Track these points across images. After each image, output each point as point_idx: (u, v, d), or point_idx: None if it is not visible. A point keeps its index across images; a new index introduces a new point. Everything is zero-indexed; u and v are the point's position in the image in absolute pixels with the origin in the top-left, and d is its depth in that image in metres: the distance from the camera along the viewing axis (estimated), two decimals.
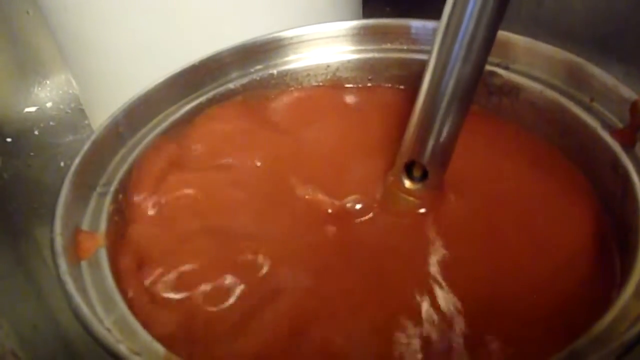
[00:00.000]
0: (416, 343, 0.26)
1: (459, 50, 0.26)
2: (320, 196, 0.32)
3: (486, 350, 0.25)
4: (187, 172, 0.34)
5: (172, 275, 0.29)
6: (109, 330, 0.24)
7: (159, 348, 0.24)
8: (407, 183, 0.31)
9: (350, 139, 0.36)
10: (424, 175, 0.31)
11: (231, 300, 0.28)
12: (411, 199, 0.31)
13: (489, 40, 0.27)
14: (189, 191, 0.33)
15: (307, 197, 0.32)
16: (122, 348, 0.23)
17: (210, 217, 0.32)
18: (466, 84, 0.27)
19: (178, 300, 0.28)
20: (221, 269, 0.29)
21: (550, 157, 0.33)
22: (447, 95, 0.28)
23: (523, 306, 0.27)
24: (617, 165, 0.29)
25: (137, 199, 0.32)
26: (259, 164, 0.35)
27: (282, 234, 0.31)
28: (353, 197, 0.32)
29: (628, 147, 0.29)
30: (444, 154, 0.30)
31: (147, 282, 0.28)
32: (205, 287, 0.28)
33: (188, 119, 0.36)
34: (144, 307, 0.27)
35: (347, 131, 0.37)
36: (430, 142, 0.29)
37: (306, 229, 0.31)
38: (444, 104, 0.28)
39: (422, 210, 0.31)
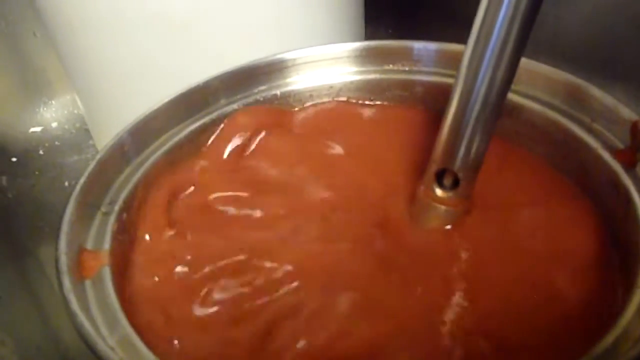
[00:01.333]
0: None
1: (490, 56, 0.26)
2: (349, 206, 0.34)
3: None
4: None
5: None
6: (112, 348, 0.24)
7: None
8: (439, 191, 0.31)
9: (367, 152, 0.37)
10: (455, 184, 0.31)
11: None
12: (443, 207, 0.31)
13: (521, 44, 0.26)
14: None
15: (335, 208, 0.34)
16: None
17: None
18: (498, 90, 0.27)
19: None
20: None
21: (552, 177, 0.34)
22: (479, 102, 0.28)
23: (527, 321, 0.27)
24: (618, 185, 0.29)
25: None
26: (284, 173, 0.36)
27: (310, 247, 0.32)
28: (383, 207, 0.33)
29: (629, 167, 0.29)
30: (476, 161, 0.30)
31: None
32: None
33: (192, 139, 0.36)
34: None
35: (363, 144, 0.38)
36: (462, 150, 0.29)
37: (337, 240, 0.32)
38: (475, 112, 0.28)
39: (448, 227, 0.32)
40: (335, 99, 0.39)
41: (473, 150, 0.29)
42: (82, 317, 0.25)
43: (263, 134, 0.38)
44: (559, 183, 0.33)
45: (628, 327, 0.23)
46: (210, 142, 0.37)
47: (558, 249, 0.30)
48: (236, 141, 0.37)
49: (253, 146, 0.37)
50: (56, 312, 0.42)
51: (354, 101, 0.39)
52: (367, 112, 0.39)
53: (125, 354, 0.24)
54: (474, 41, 0.27)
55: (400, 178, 0.35)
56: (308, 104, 0.39)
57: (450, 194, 0.31)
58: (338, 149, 0.38)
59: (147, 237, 0.32)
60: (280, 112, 0.39)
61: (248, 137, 0.37)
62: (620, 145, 0.30)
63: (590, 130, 0.32)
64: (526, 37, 0.26)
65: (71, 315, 0.25)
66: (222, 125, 0.37)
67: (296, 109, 0.39)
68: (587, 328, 0.26)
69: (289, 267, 0.31)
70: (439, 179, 0.31)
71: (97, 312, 0.26)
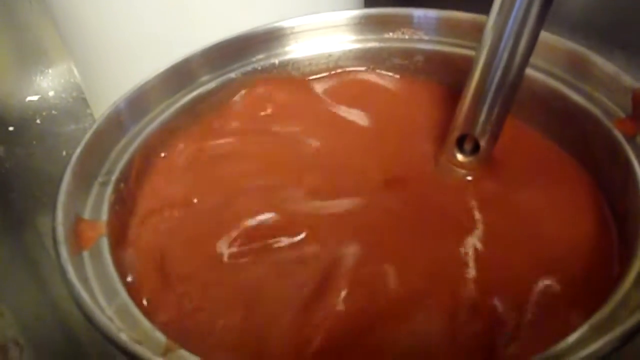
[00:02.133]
0: None
1: (513, 23, 0.27)
2: (373, 165, 0.34)
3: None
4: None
5: None
6: (110, 319, 0.24)
7: (160, 337, 0.24)
8: (460, 156, 0.33)
9: (386, 120, 0.38)
10: (475, 149, 0.32)
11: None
12: (463, 171, 0.33)
13: (543, 12, 0.27)
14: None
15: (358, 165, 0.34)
16: (124, 337, 0.23)
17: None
18: (519, 58, 0.28)
19: None
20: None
21: (550, 149, 0.34)
22: (501, 70, 0.29)
23: (528, 291, 0.27)
24: (618, 154, 0.29)
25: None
26: (301, 131, 0.37)
27: (324, 202, 0.32)
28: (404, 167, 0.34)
29: (629, 136, 0.29)
30: (496, 126, 0.31)
31: None
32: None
33: (189, 108, 0.36)
34: None
35: (383, 113, 0.38)
36: (483, 116, 0.31)
37: (358, 193, 0.33)
38: (497, 79, 0.29)
39: (469, 178, 0.33)
40: (346, 68, 0.39)
41: (494, 116, 0.30)
42: (79, 287, 0.25)
43: (281, 102, 0.38)
44: (557, 154, 0.33)
45: (626, 296, 0.23)
46: (229, 104, 0.37)
47: (557, 221, 0.30)
48: (255, 108, 0.38)
49: (270, 111, 0.38)
50: (55, 282, 0.42)
51: (369, 72, 0.39)
52: (386, 83, 0.39)
53: (123, 324, 0.24)
54: (497, 10, 0.28)
55: (422, 145, 0.36)
56: (324, 74, 0.39)
57: (471, 158, 0.32)
58: (355, 117, 0.38)
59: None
60: (298, 82, 0.39)
61: (267, 105, 0.38)
62: (622, 114, 0.30)
63: (591, 99, 0.32)
64: (549, 5, 0.27)
65: (69, 286, 0.25)
66: (242, 92, 0.37)
67: (312, 77, 0.39)
68: (585, 298, 0.26)
69: (302, 219, 0.31)
70: (460, 144, 0.32)
71: (95, 283, 0.26)
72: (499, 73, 0.29)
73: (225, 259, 0.30)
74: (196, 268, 0.30)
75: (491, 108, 0.30)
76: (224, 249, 0.30)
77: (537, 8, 0.27)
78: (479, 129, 0.31)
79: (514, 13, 0.27)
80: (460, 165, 0.33)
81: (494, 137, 0.31)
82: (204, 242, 0.30)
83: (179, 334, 0.25)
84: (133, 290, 0.27)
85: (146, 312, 0.26)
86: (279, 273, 0.29)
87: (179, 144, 0.35)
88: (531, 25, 0.27)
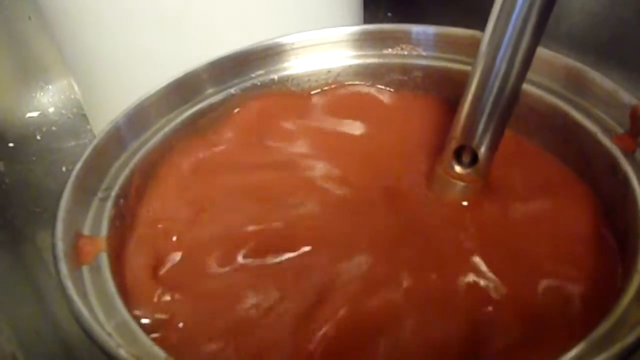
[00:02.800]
0: None
1: (512, 33, 0.27)
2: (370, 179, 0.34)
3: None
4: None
5: None
6: (109, 334, 0.24)
7: (160, 353, 0.24)
8: (458, 168, 0.32)
9: (382, 135, 0.38)
10: (473, 161, 0.31)
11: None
12: (462, 183, 0.32)
13: (540, 28, 0.27)
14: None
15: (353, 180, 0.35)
16: (123, 352, 0.23)
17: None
18: (517, 68, 0.28)
19: None
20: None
21: (551, 164, 0.34)
22: (499, 80, 0.28)
23: (527, 305, 0.27)
24: (617, 170, 0.29)
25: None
26: (297, 146, 0.37)
27: (324, 216, 0.33)
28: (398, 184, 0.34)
29: (628, 152, 0.29)
30: (494, 138, 0.30)
31: None
32: None
33: (189, 124, 0.36)
34: None
35: (379, 128, 0.38)
36: (481, 127, 0.30)
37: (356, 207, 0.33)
38: (495, 90, 0.29)
39: (465, 204, 0.32)
40: (330, 83, 0.39)
41: (492, 127, 0.30)
42: (79, 303, 0.25)
43: (277, 117, 0.38)
44: (558, 169, 0.33)
45: (626, 312, 0.23)
46: (223, 124, 0.37)
47: (557, 236, 0.30)
48: (250, 124, 0.38)
49: (267, 126, 0.38)
50: (54, 298, 0.42)
51: (367, 86, 0.39)
52: (383, 98, 0.39)
53: (122, 340, 0.24)
54: (493, 22, 0.28)
55: (416, 158, 0.36)
56: (319, 90, 0.39)
57: (469, 170, 0.32)
58: (352, 131, 0.38)
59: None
60: (294, 96, 0.39)
61: (262, 121, 0.38)
62: (620, 130, 0.30)
63: (589, 115, 0.32)
64: (545, 20, 0.27)
65: (68, 302, 0.25)
66: (237, 110, 0.38)
67: (312, 92, 0.39)
68: (585, 313, 0.26)
69: (303, 233, 0.31)
70: (458, 156, 0.32)
71: (95, 298, 0.26)
72: (496, 84, 0.29)
73: (222, 272, 0.30)
74: (191, 282, 0.30)
75: (489, 119, 0.30)
76: (222, 263, 0.30)
77: (535, 20, 0.27)
78: (477, 140, 0.31)
79: (511, 23, 0.27)
80: (458, 177, 0.32)
81: (492, 149, 0.31)
82: (201, 256, 0.31)
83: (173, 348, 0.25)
84: (130, 304, 0.27)
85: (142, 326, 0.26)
86: (278, 287, 0.29)
87: (177, 159, 0.35)
88: (528, 37, 0.27)
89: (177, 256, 0.31)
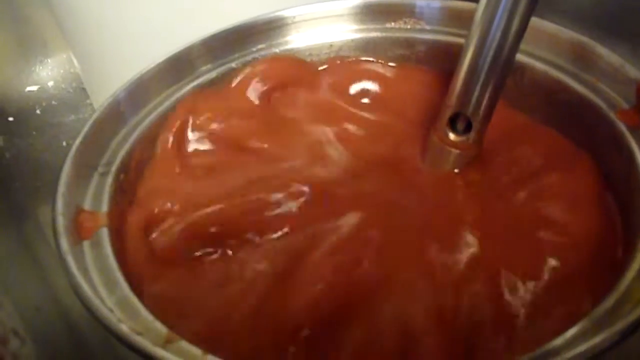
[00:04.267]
0: None
1: (505, 3, 0.27)
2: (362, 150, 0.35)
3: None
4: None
5: None
6: (111, 310, 0.24)
7: (161, 328, 0.24)
8: (452, 135, 0.32)
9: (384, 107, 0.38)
10: (467, 129, 0.32)
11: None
12: (455, 150, 0.32)
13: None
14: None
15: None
16: (124, 328, 0.23)
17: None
18: (512, 37, 0.28)
19: None
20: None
21: (555, 140, 0.33)
22: (493, 49, 0.29)
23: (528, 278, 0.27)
24: (621, 146, 0.29)
25: None
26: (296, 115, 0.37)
27: (326, 178, 0.33)
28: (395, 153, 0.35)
29: (633, 127, 0.29)
30: (489, 105, 0.31)
31: None
32: None
33: (190, 97, 0.36)
34: None
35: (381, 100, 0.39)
36: (476, 95, 0.30)
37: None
38: (489, 58, 0.29)
39: (456, 171, 0.33)
40: (332, 57, 0.39)
41: (486, 95, 0.30)
42: (79, 278, 0.25)
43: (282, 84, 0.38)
44: (561, 144, 0.33)
45: (629, 288, 0.23)
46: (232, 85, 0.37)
47: (560, 209, 0.30)
48: (257, 88, 0.38)
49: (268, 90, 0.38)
50: (56, 273, 0.42)
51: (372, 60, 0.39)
52: (387, 71, 0.39)
53: (123, 315, 0.24)
54: None
55: (413, 130, 0.36)
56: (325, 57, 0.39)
57: (463, 137, 0.32)
58: (354, 103, 0.38)
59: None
60: (302, 64, 0.39)
61: (269, 86, 0.38)
62: (626, 105, 0.30)
63: (595, 90, 0.31)
64: None
65: (69, 277, 0.25)
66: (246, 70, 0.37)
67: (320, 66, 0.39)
68: (589, 289, 0.26)
69: (302, 188, 0.32)
70: (452, 124, 0.32)
71: (95, 273, 0.26)
72: (491, 52, 0.29)
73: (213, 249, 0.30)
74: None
75: (484, 87, 0.30)
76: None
77: None
78: (471, 107, 0.31)
79: None
80: (453, 144, 0.32)
81: (486, 117, 0.31)
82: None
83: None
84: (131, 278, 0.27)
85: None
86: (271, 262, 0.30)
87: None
88: (522, 7, 0.27)
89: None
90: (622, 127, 0.29)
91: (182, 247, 0.30)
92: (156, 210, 0.31)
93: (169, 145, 0.34)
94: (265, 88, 0.37)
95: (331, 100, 0.38)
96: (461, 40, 0.36)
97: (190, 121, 0.35)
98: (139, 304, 0.25)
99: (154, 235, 0.30)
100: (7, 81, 0.60)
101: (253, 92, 0.37)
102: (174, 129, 0.34)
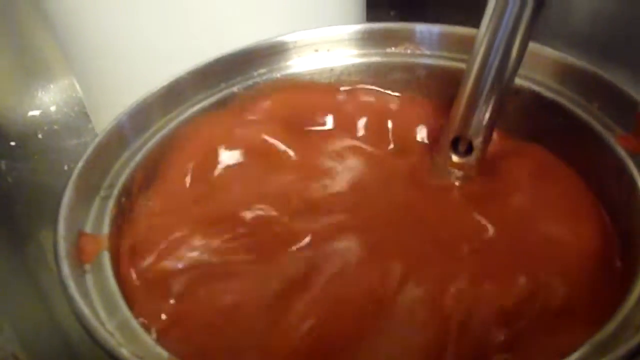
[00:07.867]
0: None
1: (505, 30, 0.29)
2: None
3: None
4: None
5: None
6: (111, 334, 0.24)
7: (162, 352, 0.24)
8: (454, 157, 0.34)
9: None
10: (468, 150, 0.33)
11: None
12: (458, 171, 0.34)
13: (534, 18, 0.28)
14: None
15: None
16: (124, 352, 0.23)
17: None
18: (511, 62, 0.30)
19: None
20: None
21: (553, 165, 0.33)
22: (493, 74, 0.30)
23: (528, 308, 0.27)
24: (622, 171, 0.29)
25: None
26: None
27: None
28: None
29: (634, 153, 0.29)
30: (489, 127, 0.32)
31: None
32: None
33: (192, 122, 0.36)
34: None
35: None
36: (477, 117, 0.32)
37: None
38: (490, 83, 0.31)
39: (457, 183, 0.34)
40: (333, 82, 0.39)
41: (487, 118, 0.32)
42: (80, 302, 0.25)
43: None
44: (559, 170, 0.33)
45: (630, 315, 0.23)
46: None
47: (559, 237, 0.30)
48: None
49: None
50: (57, 297, 0.42)
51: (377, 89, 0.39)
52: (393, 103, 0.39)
53: (124, 339, 0.24)
54: (487, 20, 0.29)
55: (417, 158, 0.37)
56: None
57: (465, 159, 0.34)
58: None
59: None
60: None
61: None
62: (625, 131, 0.30)
63: (594, 115, 0.32)
64: (534, 23, 0.28)
65: (69, 301, 0.25)
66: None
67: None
68: (589, 316, 0.26)
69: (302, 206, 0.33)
70: (455, 146, 0.34)
71: (96, 297, 0.26)
72: (491, 77, 0.30)
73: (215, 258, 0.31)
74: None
75: (484, 110, 0.32)
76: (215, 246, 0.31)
77: (528, 14, 0.28)
78: (472, 130, 0.32)
79: (504, 22, 0.29)
80: (456, 165, 0.34)
81: (487, 138, 0.33)
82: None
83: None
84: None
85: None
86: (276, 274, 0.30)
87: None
88: (522, 31, 0.29)
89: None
90: (623, 153, 0.29)
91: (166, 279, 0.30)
92: (140, 239, 0.31)
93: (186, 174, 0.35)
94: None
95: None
96: (461, 65, 0.36)
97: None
98: (139, 328, 0.25)
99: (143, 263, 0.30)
100: (10, 106, 0.61)
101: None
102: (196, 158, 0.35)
